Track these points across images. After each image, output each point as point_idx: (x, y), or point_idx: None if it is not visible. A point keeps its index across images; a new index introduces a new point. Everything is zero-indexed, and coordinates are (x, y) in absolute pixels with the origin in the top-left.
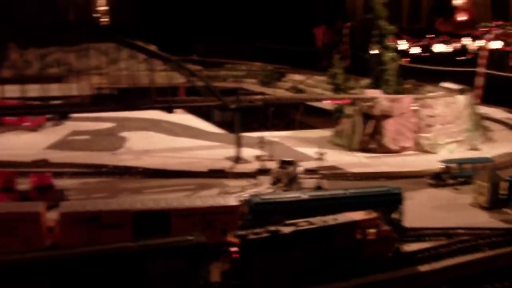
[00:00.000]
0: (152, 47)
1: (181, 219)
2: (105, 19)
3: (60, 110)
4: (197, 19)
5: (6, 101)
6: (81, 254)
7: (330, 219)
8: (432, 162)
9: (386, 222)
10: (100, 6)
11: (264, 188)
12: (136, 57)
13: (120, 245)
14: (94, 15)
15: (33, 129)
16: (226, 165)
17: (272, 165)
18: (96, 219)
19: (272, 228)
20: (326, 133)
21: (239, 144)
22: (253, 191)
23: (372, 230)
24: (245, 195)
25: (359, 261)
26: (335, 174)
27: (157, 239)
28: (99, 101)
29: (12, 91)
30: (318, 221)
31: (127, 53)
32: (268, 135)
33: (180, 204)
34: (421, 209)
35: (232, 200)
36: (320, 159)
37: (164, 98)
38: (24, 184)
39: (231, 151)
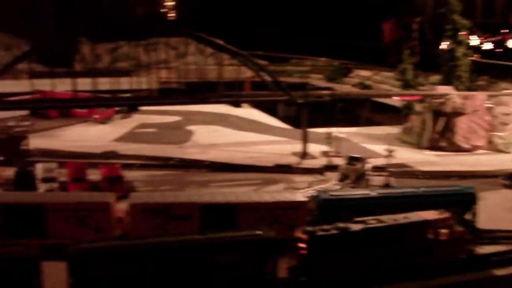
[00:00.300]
0: (220, 42)
1: (248, 213)
2: (172, 14)
3: (129, 103)
4: (261, 13)
5: (77, 93)
6: (150, 244)
7: (401, 218)
8: (506, 162)
9: (458, 223)
10: (168, 1)
11: (331, 185)
12: (204, 51)
13: (189, 237)
14: (162, 10)
15: (102, 121)
16: (293, 160)
17: (339, 161)
18: (165, 210)
19: (341, 225)
20: (393, 130)
21: (305, 139)
22: (320, 187)
23: (444, 231)
24: (312, 191)
25: (430, 262)
26: (404, 172)
27: (226, 232)
28: (168, 94)
29: (83, 84)
30: (388, 219)
31: (195, 48)
32: (334, 131)
33: (248, 198)
34: (495, 210)
35: (299, 196)
36: (389, 156)
37: (231, 92)
38: (94, 175)
39: (297, 147)
